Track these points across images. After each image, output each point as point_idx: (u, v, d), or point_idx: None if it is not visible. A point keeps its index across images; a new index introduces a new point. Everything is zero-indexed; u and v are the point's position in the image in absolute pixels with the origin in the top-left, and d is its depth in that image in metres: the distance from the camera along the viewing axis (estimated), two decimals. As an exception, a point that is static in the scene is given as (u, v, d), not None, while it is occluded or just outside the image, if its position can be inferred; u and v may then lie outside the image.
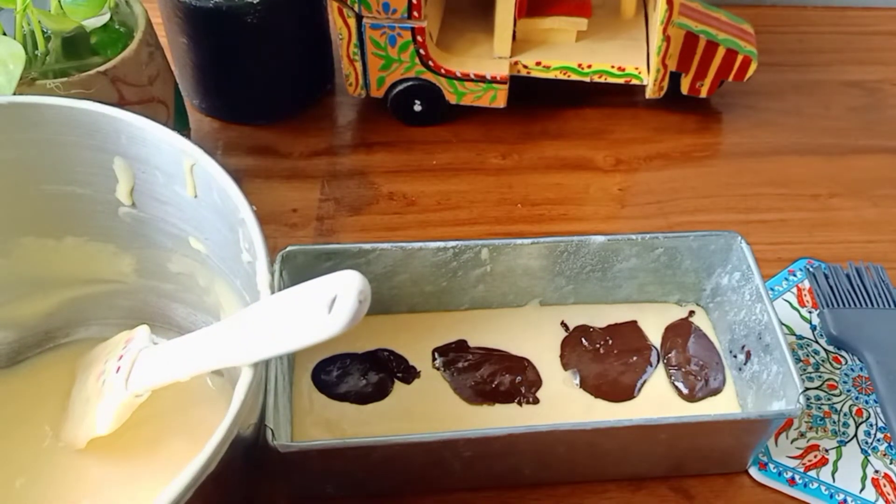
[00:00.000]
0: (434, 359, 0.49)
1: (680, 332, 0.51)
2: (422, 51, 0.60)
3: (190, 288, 0.45)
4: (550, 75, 0.63)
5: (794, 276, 0.56)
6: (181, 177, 0.39)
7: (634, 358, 0.50)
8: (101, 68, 0.47)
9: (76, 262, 0.45)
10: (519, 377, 0.49)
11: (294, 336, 0.31)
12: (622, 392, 0.48)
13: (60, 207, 0.43)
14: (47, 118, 0.39)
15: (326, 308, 0.30)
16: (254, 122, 0.64)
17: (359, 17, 0.59)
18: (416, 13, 0.58)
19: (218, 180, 0.37)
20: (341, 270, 0.31)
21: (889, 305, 0.53)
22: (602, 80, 0.63)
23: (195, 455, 0.30)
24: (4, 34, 0.46)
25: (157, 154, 0.39)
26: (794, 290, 0.55)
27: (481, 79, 0.62)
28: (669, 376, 0.49)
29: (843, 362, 0.51)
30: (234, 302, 0.41)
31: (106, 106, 0.39)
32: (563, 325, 0.51)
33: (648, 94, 0.63)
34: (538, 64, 0.62)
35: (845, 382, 0.50)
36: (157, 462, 0.42)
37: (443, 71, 0.61)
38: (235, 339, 0.34)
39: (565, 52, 0.63)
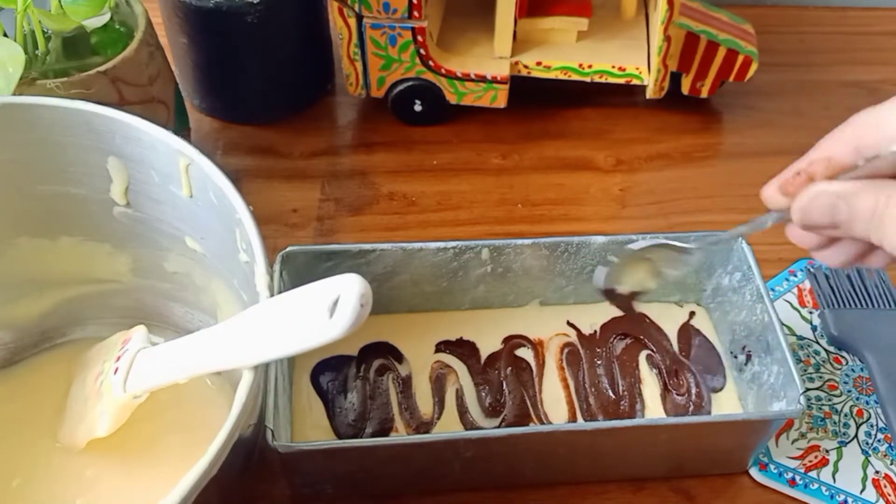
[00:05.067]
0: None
1: (680, 332, 0.51)
2: (422, 51, 0.60)
3: (186, 287, 0.45)
4: (551, 75, 0.63)
5: (795, 276, 0.56)
6: (176, 176, 0.39)
7: (635, 361, 0.50)
8: (102, 68, 0.47)
9: (72, 262, 0.45)
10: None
11: (294, 339, 0.31)
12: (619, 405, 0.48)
13: (55, 207, 0.43)
14: (41, 118, 0.39)
15: (328, 311, 0.30)
16: (254, 122, 0.64)
17: (359, 17, 0.59)
18: (416, 13, 0.58)
19: (214, 180, 0.37)
20: (342, 273, 0.31)
21: (890, 306, 0.53)
22: (603, 80, 0.63)
23: (193, 453, 0.30)
24: (5, 35, 0.46)
25: (152, 154, 0.39)
26: (795, 290, 0.55)
27: (482, 79, 0.62)
28: (666, 391, 0.49)
29: (844, 363, 0.51)
30: (231, 301, 0.41)
31: (100, 106, 0.39)
32: (570, 324, 0.51)
33: (649, 94, 0.63)
34: (539, 64, 0.62)
35: (846, 383, 0.50)
36: (155, 460, 0.42)
37: (443, 71, 0.61)
38: (235, 341, 0.34)
39: (566, 52, 0.63)
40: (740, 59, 0.62)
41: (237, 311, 0.35)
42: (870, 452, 0.47)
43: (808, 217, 0.30)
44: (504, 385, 0.48)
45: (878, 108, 0.29)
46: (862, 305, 0.53)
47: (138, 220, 0.43)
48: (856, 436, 0.48)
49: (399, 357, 0.49)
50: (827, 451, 0.47)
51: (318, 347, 0.31)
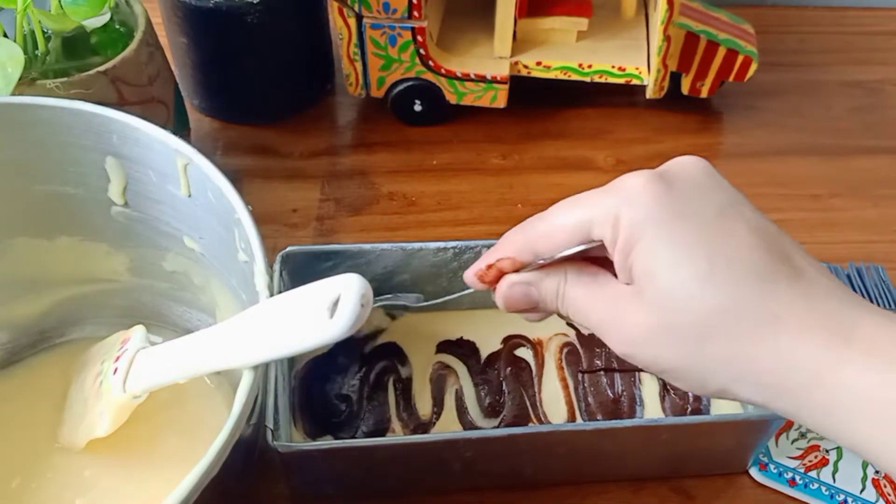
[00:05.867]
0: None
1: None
2: (422, 51, 0.60)
3: (185, 286, 0.45)
4: (551, 75, 0.63)
5: (795, 276, 0.56)
6: (175, 176, 0.39)
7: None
8: (101, 68, 0.47)
9: (70, 262, 0.45)
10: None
11: (294, 340, 0.31)
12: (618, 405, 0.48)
13: (53, 207, 0.43)
14: (39, 119, 0.39)
15: (328, 311, 0.30)
16: (254, 122, 0.64)
17: (359, 17, 0.59)
18: (416, 13, 0.58)
19: (213, 180, 0.37)
20: (343, 273, 0.31)
21: (889, 305, 0.53)
22: (603, 80, 0.63)
23: (192, 453, 0.30)
24: (5, 35, 0.46)
25: (150, 153, 0.39)
26: (795, 290, 0.55)
27: (482, 79, 0.62)
28: (665, 391, 0.49)
29: (844, 363, 0.51)
30: (230, 301, 0.41)
31: (98, 106, 0.39)
32: (570, 324, 0.51)
33: (649, 94, 0.63)
34: (539, 64, 0.62)
35: (846, 383, 0.50)
36: (155, 460, 0.42)
37: (443, 71, 0.61)
38: (235, 341, 0.34)
39: (566, 52, 0.63)
40: (740, 58, 0.62)
41: (236, 311, 0.35)
42: (870, 452, 0.47)
43: (511, 303, 0.36)
44: (504, 385, 0.48)
45: (544, 218, 0.34)
46: (862, 305, 0.53)
47: (136, 219, 0.42)
48: (856, 436, 0.48)
49: (404, 360, 0.49)
50: (827, 451, 0.47)
51: (318, 348, 0.31)
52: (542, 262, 0.34)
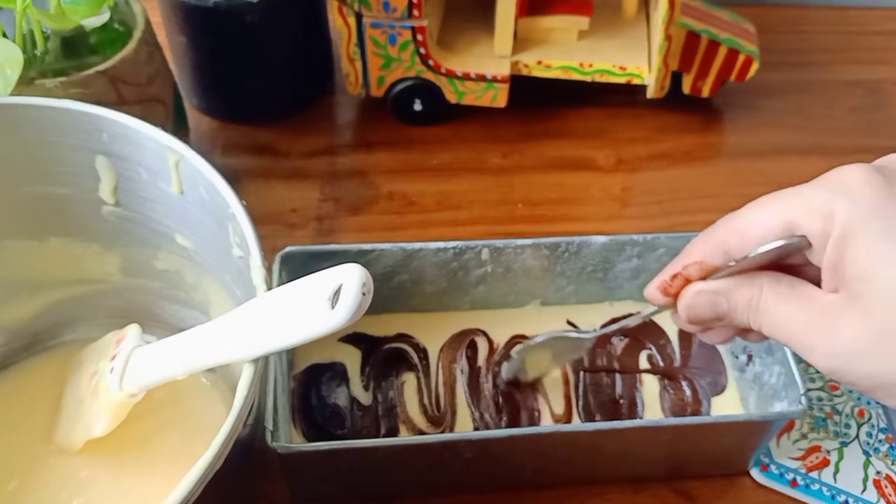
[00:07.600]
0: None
1: (682, 333, 0.51)
2: (422, 50, 0.60)
3: (177, 285, 0.44)
4: (551, 74, 0.63)
5: (796, 276, 0.55)
6: (166, 173, 0.39)
7: (635, 361, 0.50)
8: (101, 67, 0.47)
9: (61, 264, 0.44)
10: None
11: (295, 330, 0.31)
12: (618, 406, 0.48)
13: (43, 208, 0.42)
14: (28, 119, 0.39)
15: (329, 301, 0.30)
16: (253, 122, 0.64)
17: (359, 16, 0.59)
18: (416, 12, 0.58)
19: (205, 175, 0.37)
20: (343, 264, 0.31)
21: (891, 306, 0.53)
22: (603, 79, 0.63)
23: (190, 450, 0.30)
24: (4, 36, 0.46)
25: (141, 151, 0.39)
26: (796, 290, 0.55)
27: (482, 78, 0.61)
28: (665, 391, 0.49)
29: (846, 363, 0.51)
30: (223, 298, 0.41)
31: (87, 104, 0.39)
32: (570, 324, 0.51)
33: (650, 93, 0.63)
34: (539, 63, 0.62)
35: (847, 383, 0.50)
36: (152, 458, 0.41)
37: (443, 70, 0.61)
38: (236, 334, 0.33)
39: (566, 51, 0.63)
40: (741, 58, 0.61)
41: (230, 308, 0.35)
42: (871, 453, 0.47)
43: (695, 313, 0.33)
44: (504, 384, 0.48)
45: (738, 215, 0.32)
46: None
47: (127, 218, 0.42)
48: (857, 436, 0.48)
49: (404, 360, 0.49)
50: (828, 452, 0.47)
51: (320, 337, 0.31)
52: (733, 264, 0.31)
